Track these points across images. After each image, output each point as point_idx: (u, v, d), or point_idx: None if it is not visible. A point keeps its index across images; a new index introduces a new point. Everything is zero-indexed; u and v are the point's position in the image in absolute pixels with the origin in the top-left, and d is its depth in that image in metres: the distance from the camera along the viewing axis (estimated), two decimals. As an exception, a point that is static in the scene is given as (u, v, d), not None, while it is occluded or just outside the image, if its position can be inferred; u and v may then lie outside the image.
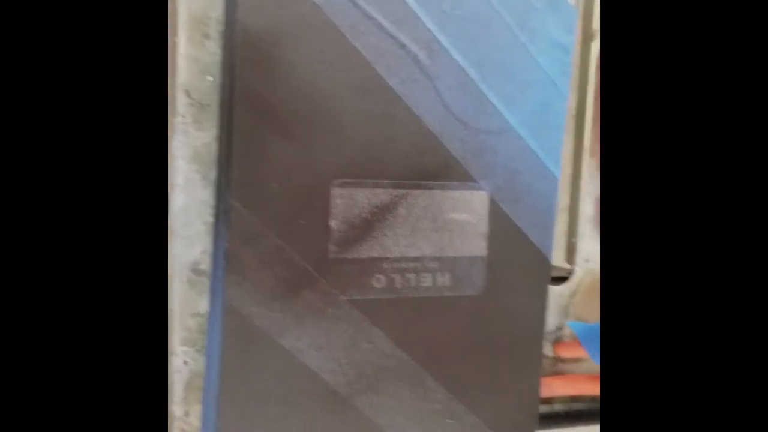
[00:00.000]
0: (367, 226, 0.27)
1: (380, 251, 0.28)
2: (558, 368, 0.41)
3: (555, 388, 0.41)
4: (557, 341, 0.41)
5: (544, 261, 0.31)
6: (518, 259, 0.31)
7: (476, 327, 0.30)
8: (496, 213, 0.30)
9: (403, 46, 0.27)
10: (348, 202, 0.27)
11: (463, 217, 0.29)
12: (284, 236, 0.26)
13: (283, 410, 0.27)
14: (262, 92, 0.25)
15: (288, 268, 0.26)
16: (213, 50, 0.27)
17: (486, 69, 0.29)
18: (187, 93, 0.27)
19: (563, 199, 0.40)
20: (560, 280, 0.41)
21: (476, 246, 0.30)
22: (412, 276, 0.29)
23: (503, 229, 0.30)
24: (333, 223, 0.27)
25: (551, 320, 0.41)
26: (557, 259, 0.42)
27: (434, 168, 0.28)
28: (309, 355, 0.27)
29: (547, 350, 0.41)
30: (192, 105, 0.27)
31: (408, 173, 0.28)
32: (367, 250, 0.27)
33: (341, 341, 0.27)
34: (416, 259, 0.29)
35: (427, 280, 0.29)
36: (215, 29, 0.27)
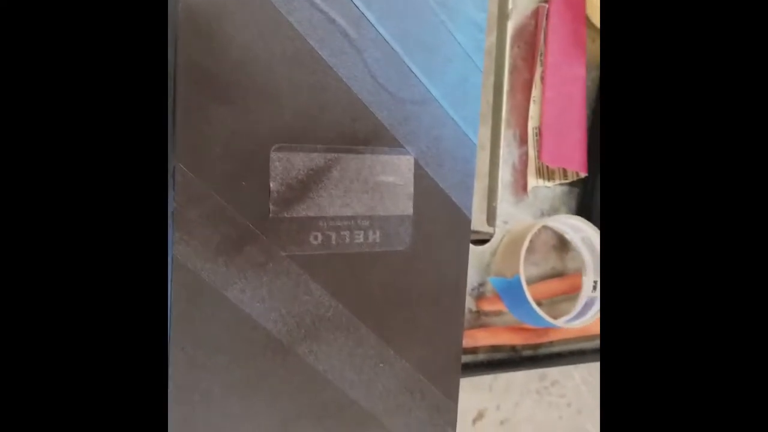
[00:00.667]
0: (304, 188, 0.30)
1: (317, 211, 0.30)
2: (481, 321, 0.45)
3: (478, 338, 0.44)
4: (480, 297, 0.45)
5: (464, 219, 0.35)
6: (441, 217, 0.34)
7: (404, 280, 0.33)
8: (420, 176, 0.33)
9: (333, 20, 0.29)
10: (286, 165, 0.29)
11: (391, 180, 0.32)
12: (227, 197, 0.28)
13: (229, 358, 0.29)
14: (203, 63, 0.27)
15: (231, 226, 0.28)
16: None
17: (409, 44, 0.31)
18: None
19: (483, 168, 0.44)
20: (484, 242, 0.45)
21: (403, 206, 0.33)
22: (346, 233, 0.31)
23: (427, 191, 0.33)
24: (272, 185, 0.29)
25: (474, 277, 0.45)
26: (480, 223, 0.46)
27: (364, 134, 0.31)
28: (252, 306, 0.29)
29: (471, 305, 0.45)
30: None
31: (340, 139, 0.30)
32: (304, 210, 0.30)
33: (282, 293, 0.30)
34: (349, 217, 0.31)
35: (359, 237, 0.32)
36: None
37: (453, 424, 0.36)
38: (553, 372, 0.50)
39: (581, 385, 0.54)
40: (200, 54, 0.27)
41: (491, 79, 0.44)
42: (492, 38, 0.43)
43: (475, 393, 0.47)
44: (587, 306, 0.45)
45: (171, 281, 0.27)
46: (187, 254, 0.27)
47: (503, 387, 0.48)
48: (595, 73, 0.46)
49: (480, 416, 0.49)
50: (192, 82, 0.27)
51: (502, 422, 0.49)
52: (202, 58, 0.27)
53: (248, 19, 0.27)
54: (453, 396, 0.35)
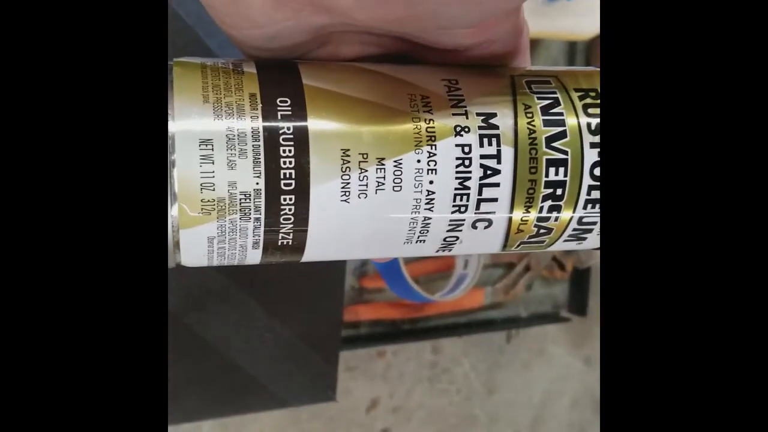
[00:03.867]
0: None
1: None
2: (363, 297, 0.49)
3: (360, 313, 0.48)
4: (362, 275, 0.49)
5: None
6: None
7: (289, 255, 0.36)
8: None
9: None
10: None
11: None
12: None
13: (120, 327, 0.31)
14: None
15: (122, 203, 0.30)
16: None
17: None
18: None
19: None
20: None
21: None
22: (232, 212, 0.34)
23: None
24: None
25: (357, 257, 0.48)
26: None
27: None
28: (142, 279, 0.31)
29: (354, 282, 0.48)
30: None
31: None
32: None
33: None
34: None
35: (246, 216, 0.34)
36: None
37: (333, 387, 0.39)
38: (444, 360, 0.55)
39: (470, 372, 0.58)
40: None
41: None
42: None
43: (368, 382, 0.50)
44: (459, 282, 0.50)
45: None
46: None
47: (396, 375, 0.52)
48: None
49: (374, 405, 0.52)
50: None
51: (394, 410, 0.53)
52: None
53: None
54: (333, 362, 0.39)
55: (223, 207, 0.14)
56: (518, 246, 0.17)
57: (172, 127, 0.14)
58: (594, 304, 0.60)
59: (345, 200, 0.14)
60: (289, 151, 0.14)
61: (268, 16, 0.14)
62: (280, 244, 0.15)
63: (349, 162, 0.14)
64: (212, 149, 0.14)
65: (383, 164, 0.14)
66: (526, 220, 0.16)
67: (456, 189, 0.15)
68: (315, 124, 0.14)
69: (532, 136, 0.15)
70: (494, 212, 0.15)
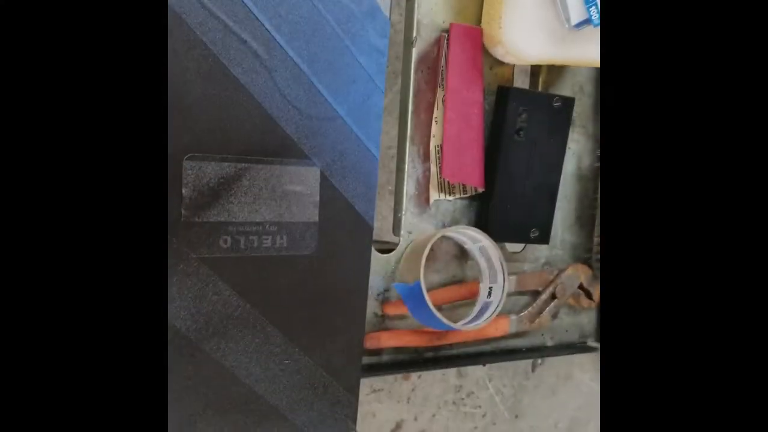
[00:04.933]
0: (215, 195, 0.32)
1: (227, 216, 0.33)
2: (385, 324, 0.48)
3: (383, 340, 0.47)
4: (385, 301, 0.48)
5: (366, 227, 0.38)
6: (345, 225, 0.37)
7: (310, 282, 0.36)
8: (326, 186, 0.36)
9: (244, 42, 0.32)
10: (198, 173, 0.31)
11: (298, 189, 0.35)
12: (140, 201, 0.30)
13: (139, 353, 0.31)
14: (120, 76, 0.29)
15: (144, 228, 0.30)
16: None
17: (316, 65, 0.34)
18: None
19: (389, 181, 0.47)
20: (389, 251, 0.48)
21: (310, 213, 0.35)
22: (254, 238, 0.34)
23: (332, 200, 0.36)
24: (184, 191, 0.31)
25: (380, 283, 0.48)
26: (386, 233, 0.49)
27: (273, 146, 0.34)
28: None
29: (376, 309, 0.48)
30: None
31: (251, 150, 0.33)
32: (215, 215, 0.32)
33: (191, 293, 0.32)
34: (258, 223, 0.34)
35: (267, 242, 0.34)
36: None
37: (353, 417, 0.38)
38: (469, 383, 0.54)
39: (495, 396, 0.57)
40: (117, 68, 0.29)
41: (398, 99, 0.47)
42: (398, 64, 0.46)
43: (393, 404, 0.50)
44: (483, 310, 0.49)
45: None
46: (100, 254, 0.29)
47: (421, 399, 0.51)
48: (492, 98, 0.50)
49: (398, 427, 0.51)
50: (108, 93, 0.28)
51: (420, 434, 0.52)
52: (118, 72, 0.29)
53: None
54: (354, 391, 0.38)
55: None
56: None
57: None
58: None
59: None
60: None
61: None
62: None
63: None
64: None
65: None
66: None
67: None
68: None
69: None
70: None
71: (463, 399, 0.55)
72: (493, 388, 0.57)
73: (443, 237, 0.49)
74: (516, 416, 0.59)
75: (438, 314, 0.45)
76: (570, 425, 0.63)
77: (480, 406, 0.56)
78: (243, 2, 0.31)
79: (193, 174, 0.31)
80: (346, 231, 0.37)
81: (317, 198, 0.35)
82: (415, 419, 0.51)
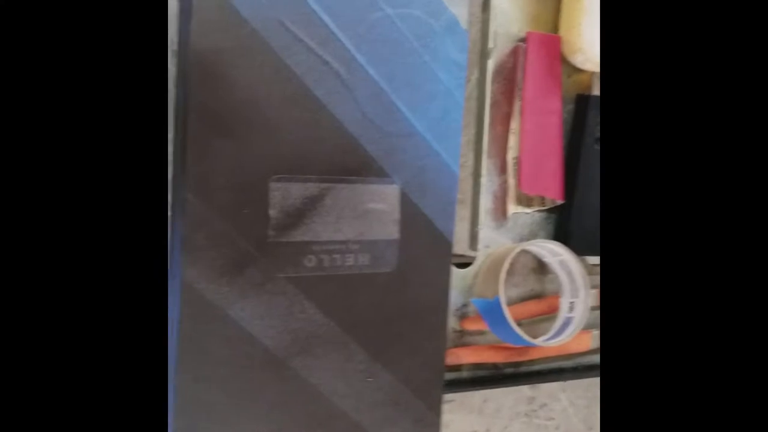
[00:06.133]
0: (299, 215, 0.33)
1: (311, 236, 0.33)
2: (464, 340, 0.48)
3: (462, 356, 0.47)
4: (463, 317, 0.48)
5: (446, 243, 0.37)
6: (425, 241, 0.37)
7: (391, 299, 0.36)
8: (406, 203, 0.36)
9: (326, 62, 0.32)
10: (284, 194, 0.32)
11: (379, 207, 0.35)
12: (231, 223, 0.31)
13: (230, 371, 0.31)
14: (210, 103, 0.29)
15: (234, 249, 0.31)
16: (169, 67, 0.31)
17: (396, 82, 0.34)
18: (143, 102, 0.31)
19: (466, 195, 0.47)
20: (467, 265, 0.48)
21: (390, 231, 0.35)
22: (337, 256, 0.34)
23: (412, 217, 0.36)
24: (271, 212, 0.32)
25: (458, 299, 0.47)
26: (463, 247, 0.49)
27: (355, 165, 0.34)
28: (252, 323, 0.32)
29: (455, 324, 0.47)
30: (146, 112, 0.31)
31: (333, 170, 0.33)
32: (300, 235, 0.33)
33: (278, 312, 0.32)
34: (341, 242, 0.34)
35: (350, 260, 0.34)
36: (170, 48, 0.31)
37: (436, 435, 0.38)
38: (542, 395, 0.53)
39: (569, 408, 0.56)
40: (208, 96, 0.29)
41: (474, 113, 0.47)
42: (474, 75, 0.46)
43: (464, 415, 0.49)
44: (564, 325, 0.48)
45: (180, 300, 0.30)
46: (194, 276, 0.30)
47: (493, 410, 0.50)
48: (571, 106, 0.49)
49: None
50: (200, 120, 0.29)
51: (492, 444, 0.51)
52: (209, 100, 0.29)
53: (250, 62, 0.30)
54: (435, 408, 0.38)
55: None
56: None
57: None
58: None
59: None
60: None
61: None
62: None
63: None
64: None
65: None
66: None
67: None
68: None
69: None
70: None
71: (535, 411, 0.54)
72: (567, 400, 0.55)
73: (522, 251, 0.48)
74: (590, 429, 0.57)
75: (518, 330, 0.44)
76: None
77: (553, 419, 0.55)
78: (325, 24, 0.32)
79: (279, 195, 0.32)
80: (426, 247, 0.37)
81: (397, 215, 0.35)
82: (488, 431, 0.51)
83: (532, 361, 0.51)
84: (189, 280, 0.30)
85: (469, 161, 0.47)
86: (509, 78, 0.48)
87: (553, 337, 0.47)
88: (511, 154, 0.47)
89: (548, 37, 0.46)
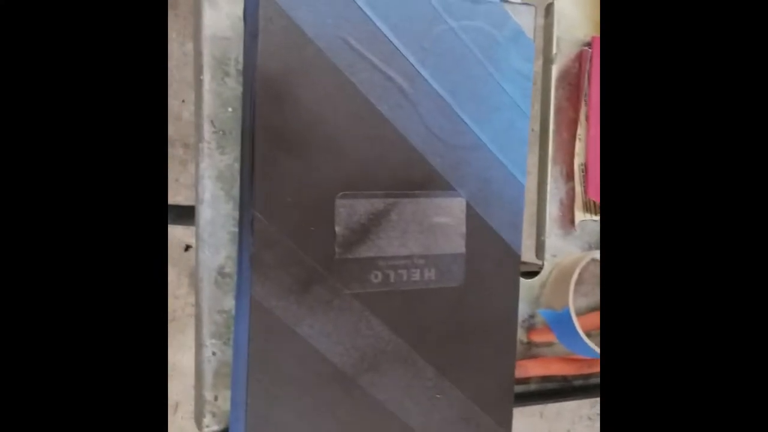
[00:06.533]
0: (365, 231, 0.32)
1: (377, 251, 0.33)
2: (532, 352, 0.47)
3: (530, 369, 0.46)
4: (530, 328, 0.46)
5: (514, 256, 0.37)
6: (492, 254, 0.36)
7: (459, 314, 0.35)
8: (472, 216, 0.35)
9: (390, 78, 0.32)
10: (349, 210, 0.32)
11: (444, 221, 0.34)
12: (298, 241, 0.31)
13: (300, 388, 0.32)
14: (277, 123, 0.30)
15: (302, 267, 0.31)
16: (233, 86, 0.32)
17: (460, 95, 0.34)
18: (212, 122, 0.32)
19: (531, 203, 0.46)
20: (533, 274, 0.47)
21: (456, 244, 0.35)
22: (403, 272, 0.34)
23: (479, 230, 0.35)
24: (337, 229, 0.32)
25: (525, 309, 0.46)
26: (529, 256, 0.48)
27: (419, 179, 0.33)
28: (319, 341, 0.32)
29: (522, 336, 0.46)
30: (215, 133, 0.32)
31: (397, 184, 0.33)
32: (366, 251, 0.33)
33: (346, 328, 0.32)
34: (407, 257, 0.34)
35: (416, 275, 0.34)
36: (234, 68, 0.32)
37: (507, 452, 0.37)
38: None
39: None
40: (274, 115, 0.30)
41: (538, 120, 0.46)
42: (538, 81, 0.45)
43: (526, 419, 0.48)
44: (637, 337, 0.46)
45: (249, 318, 0.30)
46: (263, 294, 0.30)
47: (554, 413, 0.49)
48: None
49: None
50: (267, 140, 0.30)
51: (554, 450, 0.50)
52: (276, 119, 0.30)
53: (316, 81, 0.30)
54: (506, 425, 0.37)
55: None
56: None
57: None
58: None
59: None
60: None
61: None
62: None
63: None
64: None
65: None
66: None
67: None
68: None
69: None
70: None
71: (597, 414, 0.52)
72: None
73: (591, 260, 0.47)
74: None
75: (589, 342, 0.42)
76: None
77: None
78: (389, 41, 0.32)
79: (345, 212, 0.32)
80: (494, 260, 0.36)
81: (463, 229, 0.35)
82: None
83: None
84: (258, 298, 0.30)
85: (534, 169, 0.46)
86: (574, 83, 0.46)
87: (625, 350, 0.45)
88: (577, 161, 0.46)
89: (615, 40, 0.45)
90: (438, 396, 0.35)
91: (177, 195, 0.94)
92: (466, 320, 0.35)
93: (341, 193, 0.32)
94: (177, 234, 0.95)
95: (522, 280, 0.45)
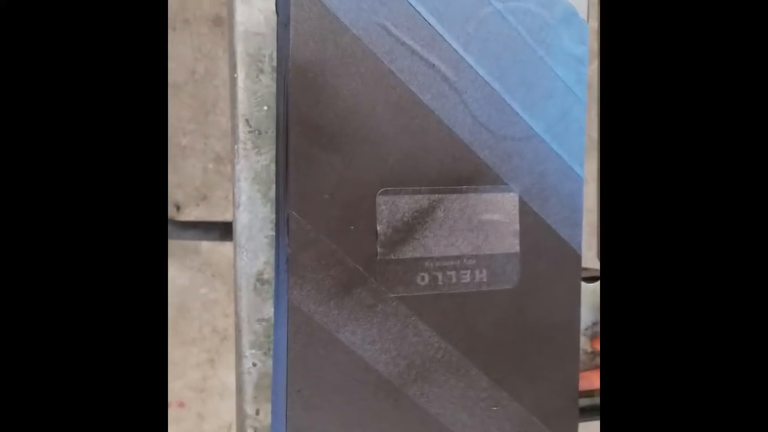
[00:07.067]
0: (409, 229, 0.30)
1: (423, 251, 0.31)
2: (597, 362, 0.43)
3: (594, 381, 0.42)
4: (594, 336, 0.43)
5: (574, 255, 0.34)
6: (550, 254, 0.33)
7: (514, 318, 0.33)
8: (526, 212, 0.33)
9: (432, 66, 0.30)
10: (391, 208, 0.30)
11: (496, 217, 0.32)
12: (337, 241, 0.29)
13: (343, 399, 0.30)
14: (312, 116, 0.28)
15: (342, 269, 0.29)
16: (267, 83, 0.30)
17: (508, 81, 0.32)
18: (247, 122, 0.30)
19: (593, 201, 0.42)
20: (595, 279, 0.43)
21: (509, 243, 0.32)
22: (452, 273, 0.31)
23: (534, 227, 0.33)
24: (379, 228, 0.30)
25: (588, 316, 0.43)
26: (590, 259, 0.44)
27: (467, 173, 0.31)
28: (363, 348, 0.30)
29: (585, 345, 0.43)
30: (251, 132, 0.30)
31: (443, 179, 0.31)
32: (411, 251, 0.30)
33: (391, 335, 0.30)
34: (455, 257, 0.31)
35: (466, 277, 0.32)
36: (268, 64, 0.30)
37: (573, 471, 0.34)
38: None
39: None
40: (309, 107, 0.28)
41: (595, 110, 0.43)
42: (594, 64, 0.42)
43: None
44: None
45: (287, 324, 0.28)
46: (301, 298, 0.29)
47: None
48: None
49: None
50: (302, 134, 0.28)
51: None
52: (311, 111, 0.28)
53: (353, 71, 0.29)
54: (571, 441, 0.34)
55: None
56: None
57: None
58: None
59: None
60: None
61: None
62: None
63: None
64: None
65: None
66: None
67: None
68: None
69: None
70: None
71: None
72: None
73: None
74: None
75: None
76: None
77: None
78: (429, 24, 0.30)
79: (386, 209, 0.30)
80: (551, 260, 0.33)
81: (517, 226, 0.32)
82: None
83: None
84: (296, 302, 0.29)
85: (592, 177, 0.43)
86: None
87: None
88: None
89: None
90: (495, 408, 0.32)
91: (226, 212, 0.94)
92: (522, 325, 0.33)
93: (382, 189, 0.30)
94: (227, 251, 0.95)
95: (584, 284, 0.42)
